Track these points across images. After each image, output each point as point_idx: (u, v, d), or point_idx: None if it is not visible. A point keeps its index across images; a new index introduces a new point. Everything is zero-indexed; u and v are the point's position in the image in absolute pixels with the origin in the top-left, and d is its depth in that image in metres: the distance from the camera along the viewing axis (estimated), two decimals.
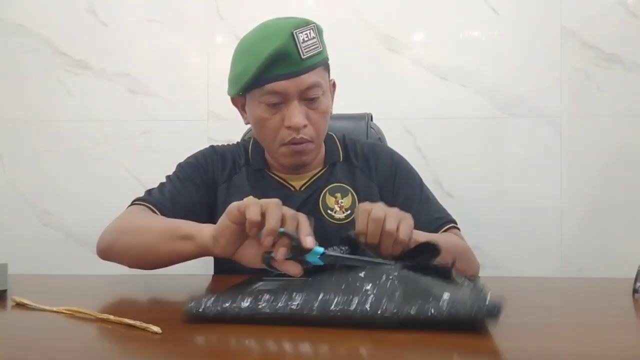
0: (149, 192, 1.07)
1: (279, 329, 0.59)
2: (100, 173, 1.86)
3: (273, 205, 0.70)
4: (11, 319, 0.69)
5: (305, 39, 0.98)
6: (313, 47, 1.00)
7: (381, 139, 1.39)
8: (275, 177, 1.12)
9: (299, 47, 0.97)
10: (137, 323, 0.59)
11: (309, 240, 0.69)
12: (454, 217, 1.15)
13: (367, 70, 1.79)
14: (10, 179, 1.89)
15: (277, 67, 0.97)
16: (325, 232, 0.96)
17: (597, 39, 1.74)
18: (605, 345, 0.55)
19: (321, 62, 1.03)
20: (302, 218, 0.72)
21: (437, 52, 1.79)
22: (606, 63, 1.74)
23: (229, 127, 1.77)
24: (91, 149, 1.87)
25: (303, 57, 0.98)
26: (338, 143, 1.18)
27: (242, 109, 1.11)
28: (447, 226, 1.09)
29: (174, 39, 1.85)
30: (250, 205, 0.70)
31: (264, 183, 1.12)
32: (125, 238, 0.91)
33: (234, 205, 0.72)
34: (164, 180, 1.11)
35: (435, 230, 1.06)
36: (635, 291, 0.78)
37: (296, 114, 1.00)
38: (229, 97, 1.12)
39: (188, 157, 1.16)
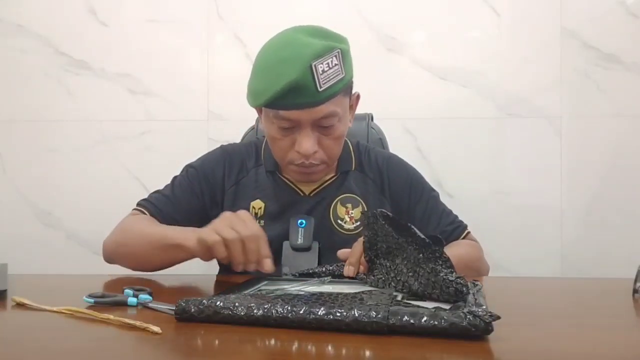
0: (150, 196, 1.10)
1: (278, 330, 0.59)
2: (100, 173, 1.86)
3: (233, 244, 0.82)
4: (11, 319, 0.69)
5: (326, 69, 0.94)
6: (333, 75, 0.95)
7: (382, 139, 1.39)
8: (286, 180, 1.12)
9: (316, 79, 0.93)
10: (137, 323, 0.59)
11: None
12: None
13: (368, 71, 1.79)
14: (10, 179, 1.89)
15: (291, 97, 0.94)
16: (333, 241, 0.97)
17: (597, 39, 1.74)
18: (605, 345, 0.55)
19: (341, 89, 0.99)
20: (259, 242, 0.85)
21: (437, 52, 1.79)
22: (606, 63, 1.74)
23: (229, 127, 1.77)
24: (91, 149, 1.87)
25: (320, 89, 0.94)
26: (352, 150, 1.17)
27: (260, 114, 1.10)
28: (464, 233, 1.15)
29: (174, 39, 1.85)
30: (215, 245, 0.83)
31: (273, 185, 1.11)
32: (123, 249, 1.01)
33: (202, 238, 0.85)
34: (170, 180, 1.13)
35: (456, 239, 1.13)
36: (635, 291, 0.78)
37: (306, 141, 0.99)
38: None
39: (197, 160, 1.17)
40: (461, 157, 1.78)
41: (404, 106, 1.78)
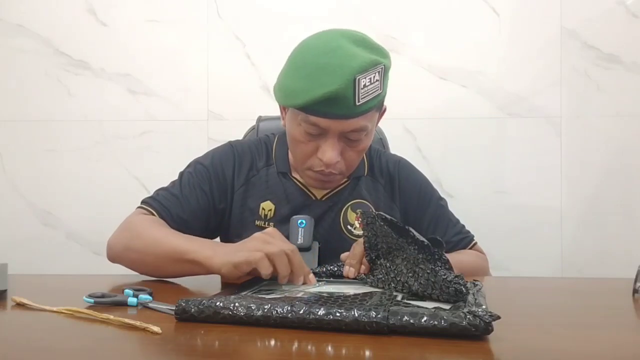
0: (156, 194, 1.06)
1: (278, 330, 0.59)
2: (100, 173, 1.86)
3: (279, 257, 0.80)
4: (11, 319, 0.69)
5: (367, 84, 0.92)
6: (372, 91, 0.93)
7: (382, 139, 1.39)
8: (297, 183, 1.10)
9: (356, 93, 0.91)
10: (137, 323, 0.59)
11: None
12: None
13: None
14: (10, 179, 1.89)
15: (327, 106, 0.92)
16: (342, 246, 0.96)
17: (597, 39, 1.74)
18: (605, 345, 0.55)
19: (375, 106, 0.97)
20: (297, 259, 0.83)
21: (437, 52, 1.79)
22: (606, 63, 1.74)
23: (229, 127, 1.77)
24: (91, 149, 1.87)
25: (357, 103, 0.92)
26: (364, 155, 1.13)
27: (283, 110, 1.07)
28: (471, 244, 1.15)
29: (174, 39, 1.85)
30: (260, 262, 0.79)
31: (285, 187, 1.10)
32: (132, 254, 0.96)
33: (242, 261, 0.81)
34: (177, 176, 1.10)
35: (464, 249, 1.14)
36: (635, 291, 0.78)
37: (330, 150, 0.97)
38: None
39: (204, 156, 1.13)
40: (461, 157, 1.78)
41: (404, 106, 1.78)
